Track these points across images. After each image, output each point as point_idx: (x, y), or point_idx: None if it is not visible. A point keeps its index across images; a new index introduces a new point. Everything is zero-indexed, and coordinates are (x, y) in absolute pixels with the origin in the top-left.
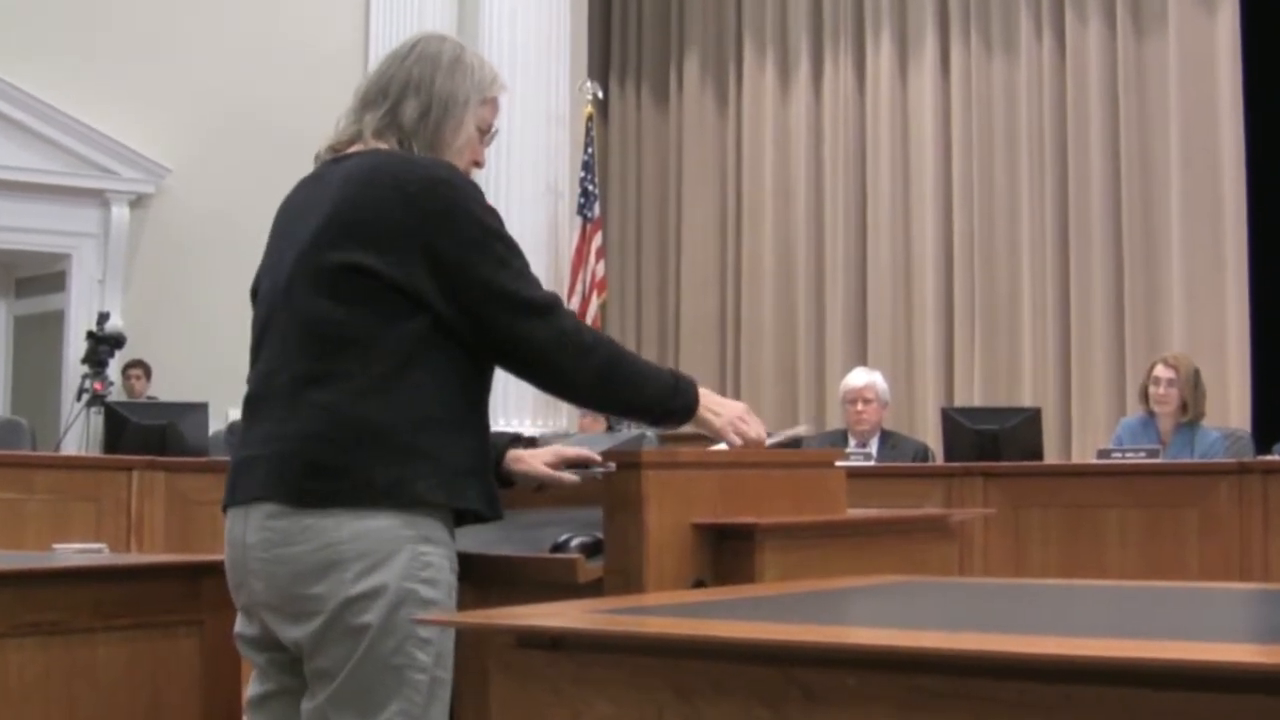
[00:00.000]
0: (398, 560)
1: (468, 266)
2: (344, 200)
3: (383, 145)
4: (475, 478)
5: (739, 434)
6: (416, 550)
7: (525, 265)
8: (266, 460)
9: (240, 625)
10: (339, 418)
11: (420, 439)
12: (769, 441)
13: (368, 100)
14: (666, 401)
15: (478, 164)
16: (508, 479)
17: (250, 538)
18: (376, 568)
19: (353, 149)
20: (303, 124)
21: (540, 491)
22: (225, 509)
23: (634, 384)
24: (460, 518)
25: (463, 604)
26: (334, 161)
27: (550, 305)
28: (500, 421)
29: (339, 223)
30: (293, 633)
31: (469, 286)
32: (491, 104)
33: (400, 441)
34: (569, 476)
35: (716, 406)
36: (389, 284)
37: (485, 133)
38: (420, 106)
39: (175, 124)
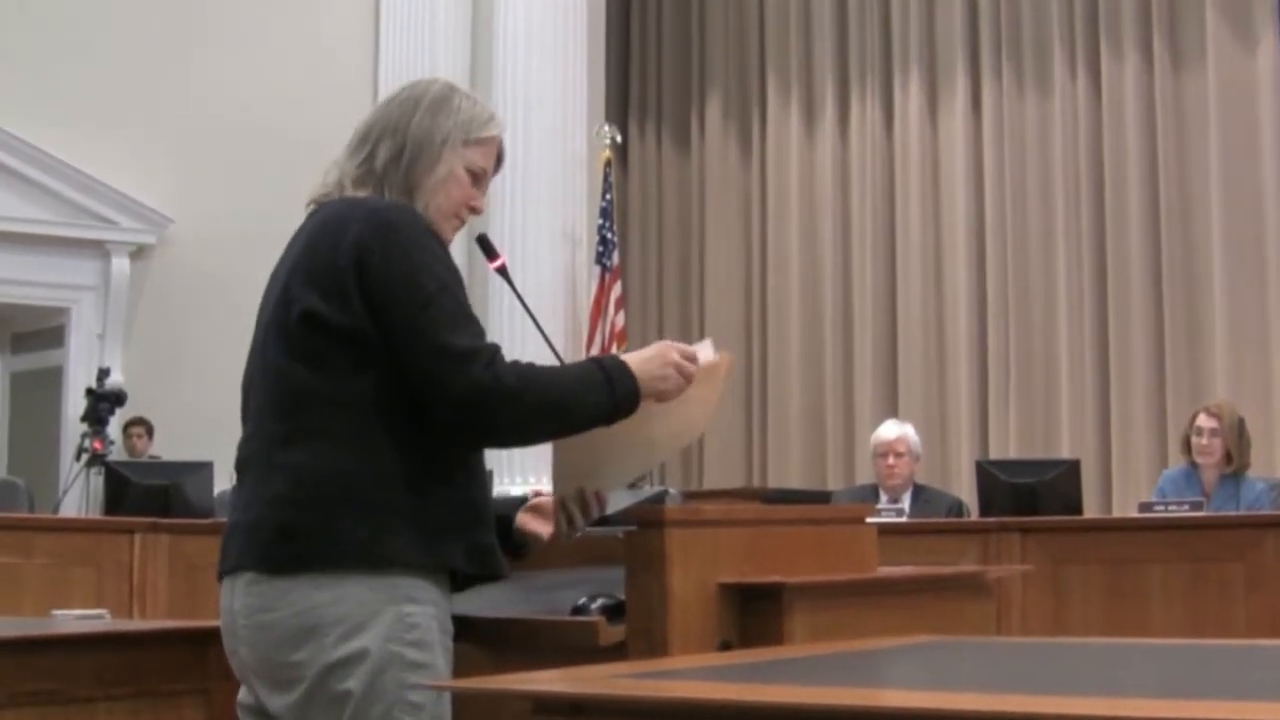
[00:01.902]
0: (379, 623)
1: (392, 306)
2: (303, 252)
3: (360, 193)
4: (458, 533)
5: (689, 378)
6: (400, 611)
7: (456, 306)
8: (242, 528)
9: (242, 694)
10: (305, 478)
11: (391, 495)
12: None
13: (352, 147)
14: (609, 401)
15: (474, 210)
16: (519, 549)
17: (236, 604)
18: (357, 632)
19: (332, 198)
20: (311, 169)
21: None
22: (220, 578)
23: (571, 406)
24: (467, 578)
25: (477, 669)
26: (314, 213)
27: (468, 352)
28: (504, 480)
29: (298, 275)
30: (277, 701)
31: (391, 325)
32: (483, 146)
33: (370, 500)
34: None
35: (653, 371)
36: (341, 333)
37: (479, 177)
38: (394, 148)
39: (177, 171)
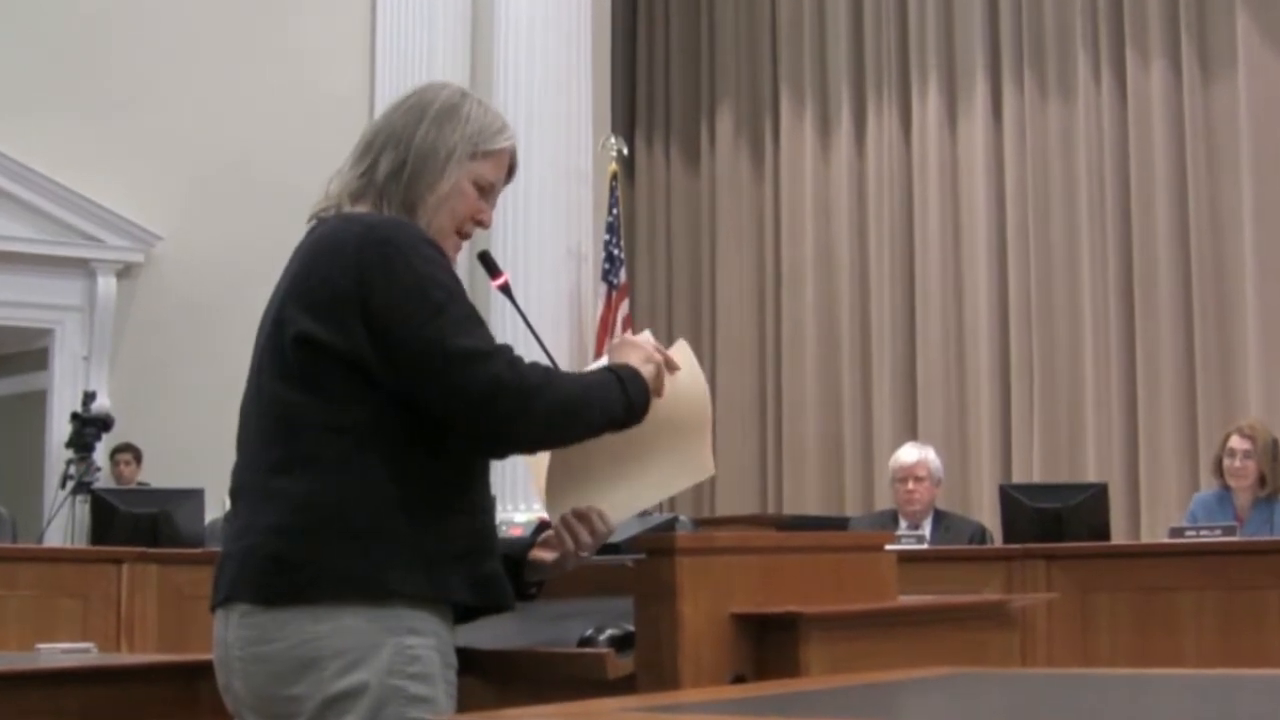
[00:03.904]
0: (380, 656)
1: (398, 320)
2: (300, 272)
3: (358, 208)
4: (460, 562)
5: (665, 361)
6: (402, 644)
7: (467, 314)
8: (235, 558)
9: None
10: (301, 507)
11: (388, 524)
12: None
13: (355, 156)
14: (625, 400)
15: (480, 224)
16: (527, 586)
17: (230, 636)
18: (357, 665)
19: (330, 213)
20: (305, 182)
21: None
22: (212, 610)
23: (591, 404)
24: (470, 609)
25: (480, 703)
26: (312, 230)
27: (486, 353)
28: (506, 507)
29: (294, 297)
30: None
31: (401, 343)
32: (493, 159)
33: (365, 528)
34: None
35: (638, 364)
36: (338, 357)
37: (487, 190)
38: (395, 161)
39: (165, 186)
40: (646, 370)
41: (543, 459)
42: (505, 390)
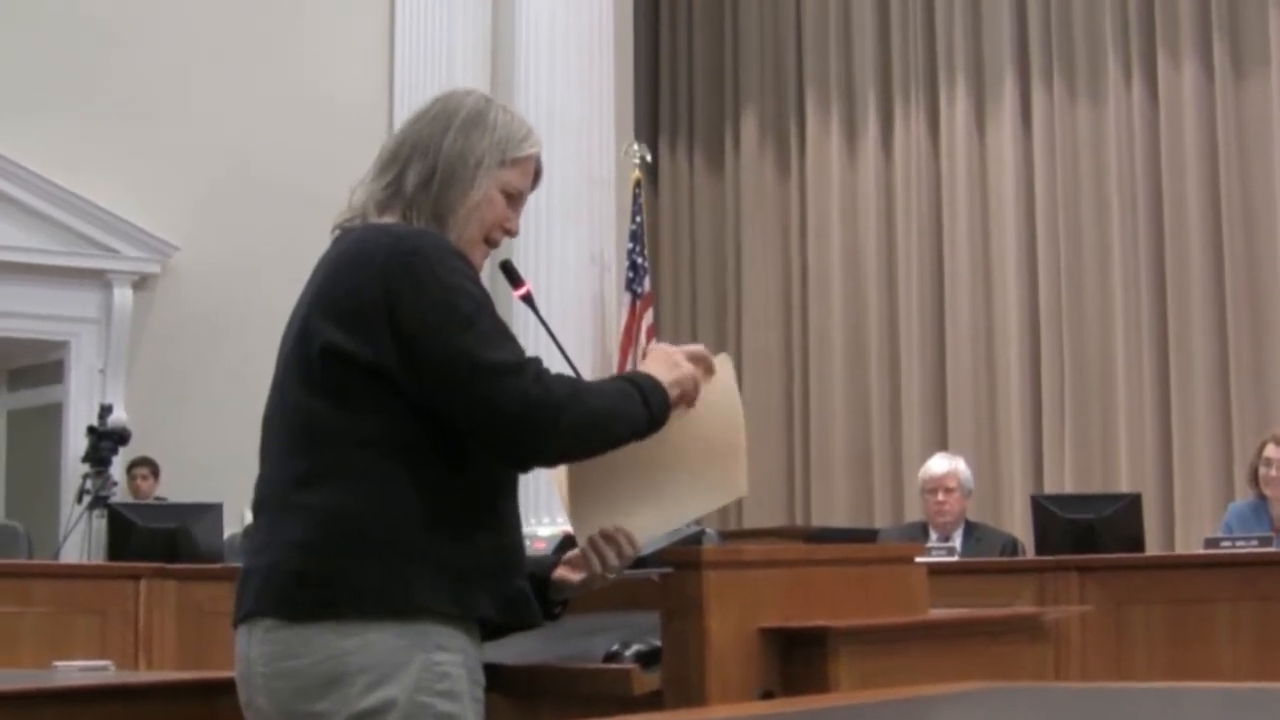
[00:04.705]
0: (408, 672)
1: (427, 331)
2: (325, 283)
3: (385, 218)
4: (488, 579)
5: (701, 365)
6: (430, 660)
7: (495, 327)
8: (259, 573)
9: None
10: (326, 521)
11: (416, 539)
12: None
13: (380, 166)
14: (646, 412)
15: (508, 232)
16: (552, 606)
17: (253, 652)
18: (384, 681)
19: (356, 223)
20: (323, 191)
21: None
22: (235, 625)
23: (617, 417)
24: (498, 626)
25: None
26: (338, 240)
27: (515, 366)
28: (530, 521)
29: (320, 308)
30: None
31: (428, 354)
32: (520, 166)
33: (392, 543)
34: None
35: (665, 372)
36: (365, 369)
37: (515, 198)
38: (424, 171)
39: (183, 195)
40: (674, 376)
41: (565, 474)
42: (533, 405)
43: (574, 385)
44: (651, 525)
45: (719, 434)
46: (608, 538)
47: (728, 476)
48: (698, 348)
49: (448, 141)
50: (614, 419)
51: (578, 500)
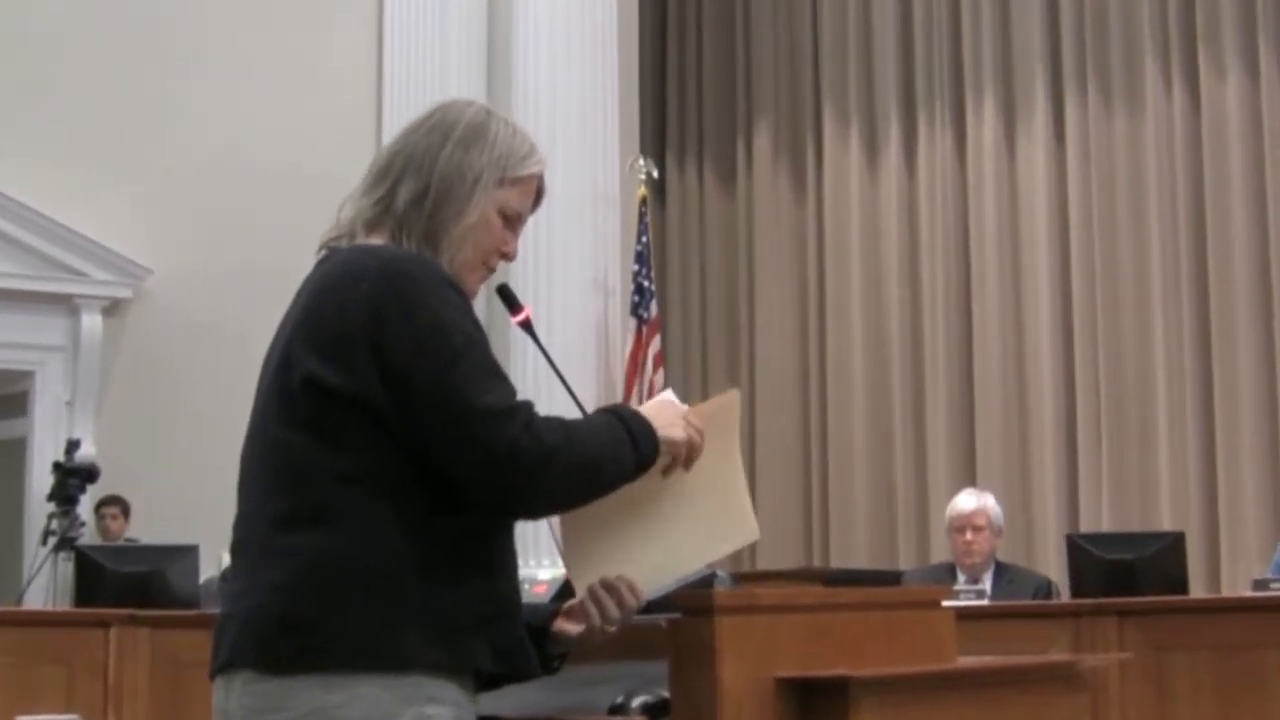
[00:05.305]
0: None
1: (414, 367)
2: (308, 309)
3: (374, 238)
4: (483, 626)
5: (699, 430)
6: (421, 714)
7: (485, 362)
8: (237, 619)
9: None
10: (310, 564)
11: (407, 584)
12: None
13: (371, 180)
14: (635, 454)
15: (505, 256)
16: (549, 659)
17: (232, 705)
18: None
19: (343, 243)
20: (308, 210)
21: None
22: (211, 677)
23: (605, 464)
24: (493, 677)
25: None
26: (323, 261)
27: (504, 411)
28: (529, 563)
29: (302, 336)
30: None
31: (415, 392)
32: (521, 186)
33: (381, 588)
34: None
35: (664, 419)
36: (350, 401)
37: (513, 220)
38: (417, 188)
39: (156, 216)
40: (671, 434)
41: (560, 521)
42: (521, 453)
43: (565, 431)
44: (655, 572)
45: (720, 480)
46: (609, 588)
47: (735, 521)
48: (700, 421)
49: (444, 156)
50: (601, 469)
51: (574, 548)
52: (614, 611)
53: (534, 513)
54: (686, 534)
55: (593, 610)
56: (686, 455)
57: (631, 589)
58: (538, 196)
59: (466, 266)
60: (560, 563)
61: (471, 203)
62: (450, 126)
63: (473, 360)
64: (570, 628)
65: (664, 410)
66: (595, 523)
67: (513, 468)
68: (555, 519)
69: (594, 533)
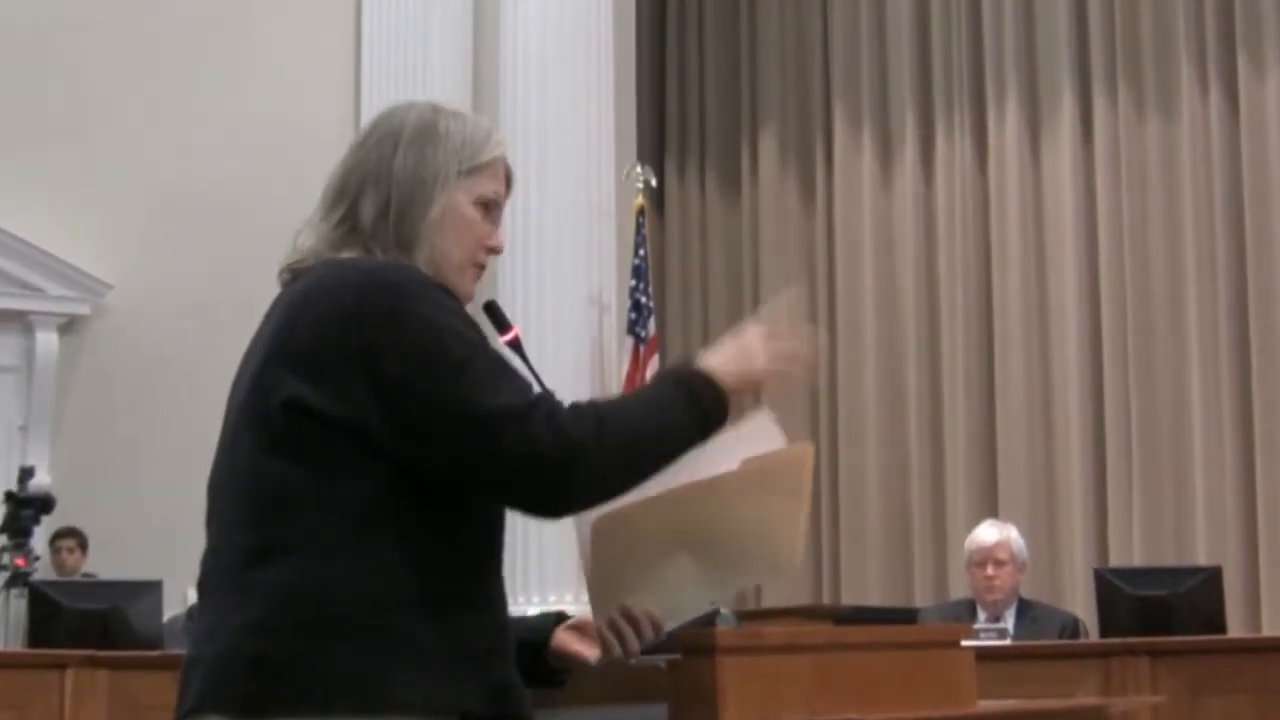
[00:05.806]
0: None
1: (414, 380)
2: (284, 327)
3: (343, 257)
4: (472, 666)
5: (790, 365)
6: None
7: (492, 365)
8: (205, 661)
9: None
10: (285, 600)
11: (390, 621)
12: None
13: (327, 205)
14: (696, 417)
15: (493, 250)
16: (554, 674)
17: None
18: None
19: (309, 264)
20: (279, 224)
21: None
22: None
23: (651, 435)
24: (484, 718)
25: None
26: (290, 283)
27: (520, 411)
28: (518, 599)
29: (279, 356)
30: None
31: (418, 407)
32: (486, 171)
33: (362, 625)
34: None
35: (738, 367)
36: (335, 424)
37: (490, 207)
38: (379, 201)
39: (115, 227)
40: (746, 367)
41: (587, 538)
42: (546, 450)
43: (598, 412)
44: (680, 605)
45: (773, 502)
46: (630, 619)
47: (775, 550)
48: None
49: (398, 162)
50: (651, 438)
51: (600, 572)
52: (634, 645)
53: (582, 506)
54: (718, 564)
55: (613, 641)
56: (787, 372)
57: (653, 621)
58: (508, 180)
59: (456, 269)
60: (551, 599)
61: (434, 200)
62: (397, 132)
63: (478, 367)
64: (575, 645)
65: (741, 345)
66: (626, 547)
67: (542, 466)
68: (586, 537)
69: (624, 558)
